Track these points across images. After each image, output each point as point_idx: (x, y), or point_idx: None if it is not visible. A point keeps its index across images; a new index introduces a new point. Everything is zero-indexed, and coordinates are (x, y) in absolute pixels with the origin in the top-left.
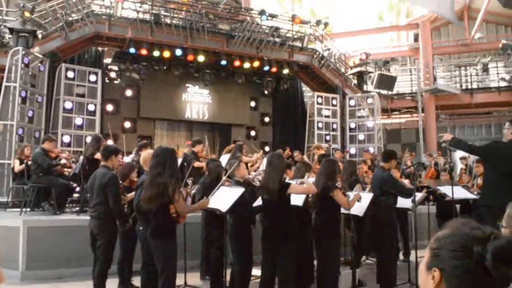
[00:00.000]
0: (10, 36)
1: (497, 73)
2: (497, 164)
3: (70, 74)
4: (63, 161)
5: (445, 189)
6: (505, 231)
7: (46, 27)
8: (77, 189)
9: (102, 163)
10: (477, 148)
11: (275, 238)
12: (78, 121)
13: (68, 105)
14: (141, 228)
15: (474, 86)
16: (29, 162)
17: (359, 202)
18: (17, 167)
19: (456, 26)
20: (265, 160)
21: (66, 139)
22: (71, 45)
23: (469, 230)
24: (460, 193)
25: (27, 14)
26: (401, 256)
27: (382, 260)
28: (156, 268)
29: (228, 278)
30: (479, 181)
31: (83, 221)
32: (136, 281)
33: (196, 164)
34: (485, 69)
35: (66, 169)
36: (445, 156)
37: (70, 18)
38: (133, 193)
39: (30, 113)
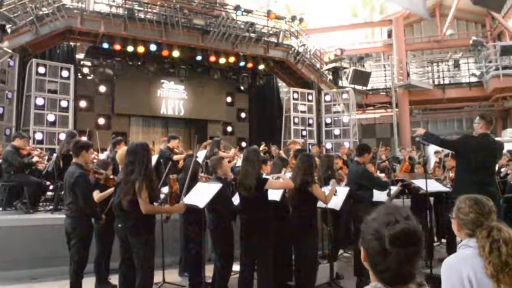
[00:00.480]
0: None
1: (468, 69)
2: (467, 158)
3: (41, 69)
4: (35, 158)
5: (419, 182)
6: (454, 222)
7: (15, 21)
8: (51, 187)
9: (73, 160)
10: (448, 142)
11: (253, 233)
12: (51, 117)
13: (40, 101)
14: (120, 225)
15: (446, 81)
16: (0, 161)
17: (336, 196)
18: None
19: (429, 23)
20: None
21: (39, 136)
22: (41, 40)
23: (385, 216)
24: (433, 186)
25: None
26: None
27: (359, 253)
28: (134, 266)
29: (206, 274)
30: (451, 174)
31: (58, 220)
32: (114, 279)
33: (176, 157)
34: (457, 65)
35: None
36: (419, 150)
37: (41, 12)
38: (109, 190)
39: (0, 110)
